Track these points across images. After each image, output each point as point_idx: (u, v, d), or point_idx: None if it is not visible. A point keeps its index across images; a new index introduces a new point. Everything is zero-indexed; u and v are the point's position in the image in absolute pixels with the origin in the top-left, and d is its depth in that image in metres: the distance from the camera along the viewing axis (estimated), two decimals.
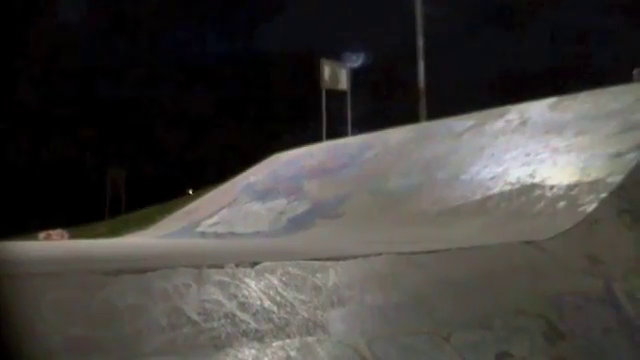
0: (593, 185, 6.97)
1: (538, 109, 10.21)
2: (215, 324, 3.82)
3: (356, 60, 29.86)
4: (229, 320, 3.89)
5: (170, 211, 17.97)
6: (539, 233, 6.02)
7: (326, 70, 22.36)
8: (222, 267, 4.33)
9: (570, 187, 7.21)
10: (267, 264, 4.51)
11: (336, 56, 24.48)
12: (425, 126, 15.50)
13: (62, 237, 20.06)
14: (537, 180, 7.86)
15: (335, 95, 22.81)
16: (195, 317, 3.82)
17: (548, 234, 5.95)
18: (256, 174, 15.67)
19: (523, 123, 9.94)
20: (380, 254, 5.17)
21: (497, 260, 5.57)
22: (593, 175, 7.20)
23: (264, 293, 4.22)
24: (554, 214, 6.94)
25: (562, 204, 7.04)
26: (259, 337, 3.85)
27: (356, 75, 25.30)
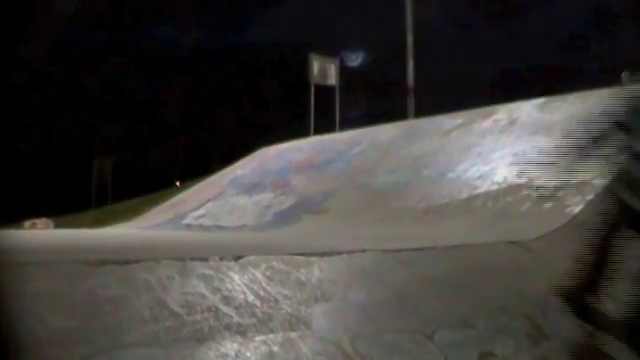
0: (580, 187, 6.97)
1: (526, 109, 10.22)
2: (198, 317, 3.81)
3: (355, 59, 29.78)
4: (212, 313, 3.88)
5: (157, 202, 17.92)
6: (525, 233, 6.03)
7: (315, 65, 22.27)
8: (206, 260, 4.32)
9: (556, 189, 7.21)
10: (251, 258, 4.50)
11: (325, 51, 24.42)
12: (413, 124, 15.50)
13: (47, 226, 20.00)
14: (524, 180, 7.87)
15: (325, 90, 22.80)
16: (178, 310, 3.80)
17: (534, 234, 5.96)
18: (243, 167, 15.64)
19: (511, 123, 9.95)
20: (365, 251, 5.17)
21: (482, 259, 5.57)
22: (580, 177, 7.21)
23: (248, 287, 4.21)
24: (540, 215, 6.95)
25: (548, 205, 7.05)
26: (242, 331, 3.84)
27: (345, 71, 25.31)
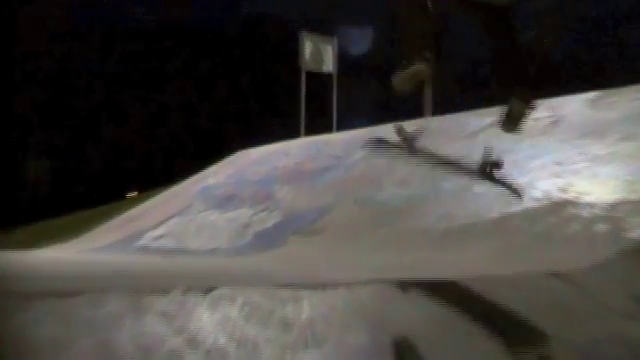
0: None
1: (574, 106, 10.22)
2: None
3: (357, 40, 29.86)
4: None
5: (106, 217, 17.95)
6: (570, 263, 6.03)
7: (307, 47, 22.13)
8: (167, 293, 4.31)
9: (612, 206, 7.21)
10: (225, 291, 4.49)
11: (321, 30, 24.36)
12: (429, 122, 15.51)
13: None
14: (570, 196, 7.87)
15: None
16: (131, 355, 3.79)
17: (582, 265, 5.95)
18: (216, 175, 15.67)
19: (555, 123, 9.95)
20: (367, 283, 5.16)
21: (515, 295, 5.56)
22: None
23: (220, 327, 4.20)
24: (591, 240, 6.94)
25: (601, 227, 7.05)
26: None
27: (345, 55, 25.29)
